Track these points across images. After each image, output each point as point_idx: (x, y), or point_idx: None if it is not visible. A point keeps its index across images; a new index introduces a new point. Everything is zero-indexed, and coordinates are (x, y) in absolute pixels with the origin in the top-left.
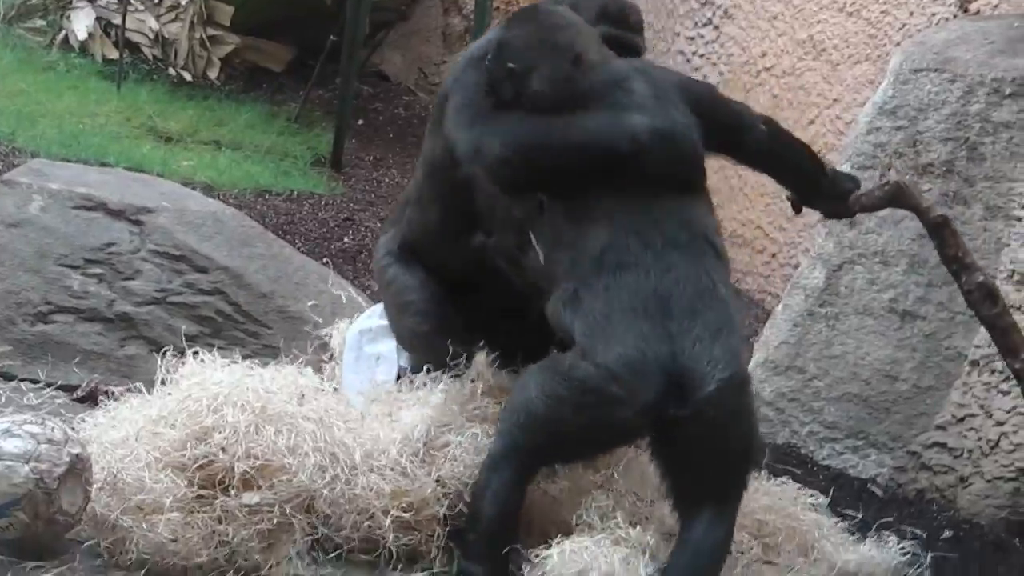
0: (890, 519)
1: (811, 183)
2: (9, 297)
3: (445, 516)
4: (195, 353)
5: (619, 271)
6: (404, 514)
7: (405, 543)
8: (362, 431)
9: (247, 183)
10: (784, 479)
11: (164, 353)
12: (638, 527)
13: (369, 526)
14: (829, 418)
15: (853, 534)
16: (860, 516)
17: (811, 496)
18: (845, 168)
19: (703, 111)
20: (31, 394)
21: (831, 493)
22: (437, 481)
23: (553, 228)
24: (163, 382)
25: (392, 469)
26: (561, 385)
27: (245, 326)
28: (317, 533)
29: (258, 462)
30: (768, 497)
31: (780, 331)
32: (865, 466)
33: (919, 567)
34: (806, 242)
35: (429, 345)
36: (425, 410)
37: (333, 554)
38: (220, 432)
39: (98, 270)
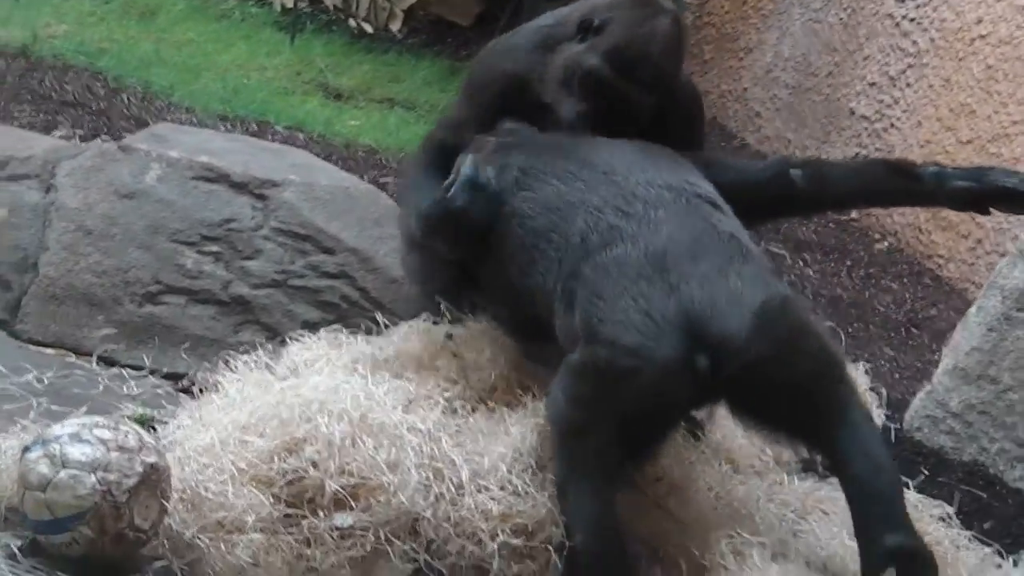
0: None
1: (909, 196)
2: (116, 275)
3: (562, 542)
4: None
5: (605, 250)
6: (514, 539)
7: (516, 572)
8: (469, 443)
9: (415, 146)
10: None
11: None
12: (776, 566)
13: (476, 553)
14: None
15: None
16: None
17: (936, 506)
18: None
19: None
20: (132, 382)
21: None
22: (550, 499)
23: None
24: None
25: (503, 488)
26: (580, 383)
27: (372, 314)
28: (418, 561)
29: (352, 480)
30: None
31: (972, 335)
32: None
33: None
34: (1016, 228)
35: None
36: (535, 419)
37: None
38: (312, 444)
39: (215, 248)
